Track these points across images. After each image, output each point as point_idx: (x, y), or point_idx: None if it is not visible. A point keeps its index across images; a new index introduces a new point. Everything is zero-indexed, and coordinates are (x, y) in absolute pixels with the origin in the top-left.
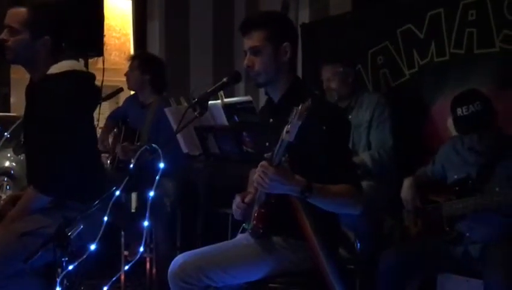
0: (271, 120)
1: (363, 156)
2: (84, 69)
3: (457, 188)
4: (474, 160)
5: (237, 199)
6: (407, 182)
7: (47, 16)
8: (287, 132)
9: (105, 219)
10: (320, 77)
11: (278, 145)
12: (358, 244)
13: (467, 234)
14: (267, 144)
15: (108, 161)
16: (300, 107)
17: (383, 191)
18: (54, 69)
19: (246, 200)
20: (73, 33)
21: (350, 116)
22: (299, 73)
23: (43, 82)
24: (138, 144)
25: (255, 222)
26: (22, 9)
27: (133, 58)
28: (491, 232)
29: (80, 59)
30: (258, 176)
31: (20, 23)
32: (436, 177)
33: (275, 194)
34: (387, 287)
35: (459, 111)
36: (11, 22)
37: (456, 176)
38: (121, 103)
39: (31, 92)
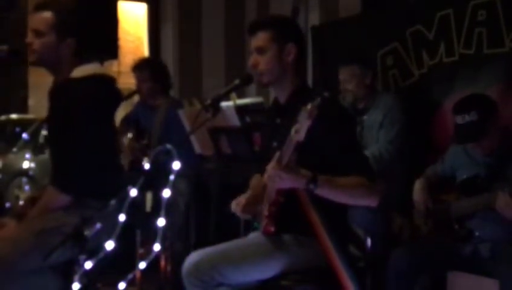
0: (278, 120)
1: (365, 153)
2: (106, 72)
3: (466, 187)
4: (483, 160)
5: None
6: (419, 184)
7: (72, 19)
8: (296, 131)
9: (122, 217)
10: (330, 78)
11: (286, 145)
12: (369, 243)
13: (477, 233)
14: (274, 144)
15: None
16: (309, 106)
17: (393, 190)
18: (78, 72)
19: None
20: (91, 36)
21: (365, 117)
22: (309, 75)
23: (67, 85)
24: (145, 142)
25: (265, 220)
26: (48, 13)
27: (141, 69)
28: (500, 231)
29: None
30: (269, 176)
31: (46, 25)
32: (445, 176)
33: (284, 192)
34: (397, 285)
35: (457, 119)
36: (37, 25)
37: (465, 176)
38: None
39: (54, 95)
